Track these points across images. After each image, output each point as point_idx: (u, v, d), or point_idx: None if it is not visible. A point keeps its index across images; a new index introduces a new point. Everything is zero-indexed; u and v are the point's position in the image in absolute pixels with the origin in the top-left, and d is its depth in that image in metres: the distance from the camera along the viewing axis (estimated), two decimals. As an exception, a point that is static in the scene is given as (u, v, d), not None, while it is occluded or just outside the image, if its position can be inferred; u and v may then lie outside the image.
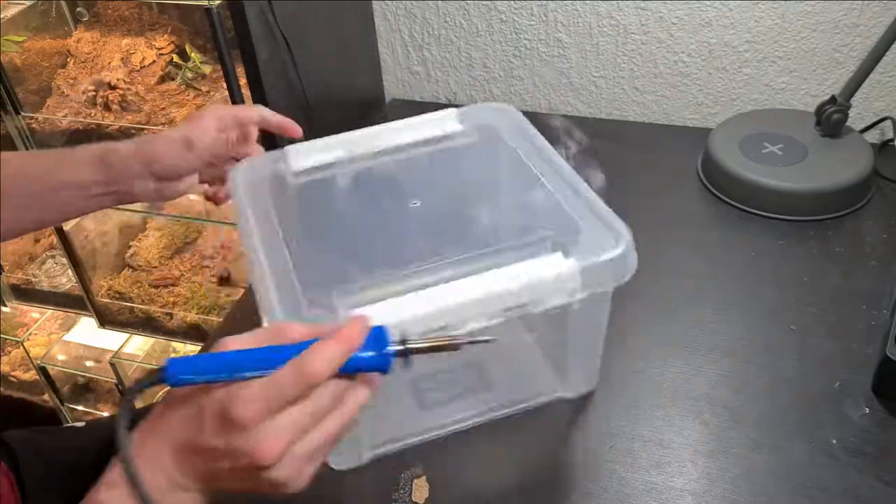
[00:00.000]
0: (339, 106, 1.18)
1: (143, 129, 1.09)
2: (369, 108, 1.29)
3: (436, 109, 0.78)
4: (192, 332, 1.31)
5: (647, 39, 1.14)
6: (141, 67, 1.15)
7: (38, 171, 0.72)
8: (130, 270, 1.37)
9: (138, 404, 0.50)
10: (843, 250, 0.91)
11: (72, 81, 1.16)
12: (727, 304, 0.84)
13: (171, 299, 1.32)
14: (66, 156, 0.74)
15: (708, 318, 0.83)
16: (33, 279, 1.44)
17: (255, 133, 0.76)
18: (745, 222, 0.97)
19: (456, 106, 0.79)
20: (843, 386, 0.74)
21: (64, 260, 1.34)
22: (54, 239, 1.33)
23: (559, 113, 1.26)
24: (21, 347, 1.57)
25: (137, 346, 1.48)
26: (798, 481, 0.66)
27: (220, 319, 1.24)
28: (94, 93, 1.14)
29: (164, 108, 1.11)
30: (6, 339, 1.60)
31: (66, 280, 1.43)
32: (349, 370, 0.45)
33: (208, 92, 1.12)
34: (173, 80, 1.15)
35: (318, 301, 0.61)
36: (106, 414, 1.60)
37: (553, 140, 0.75)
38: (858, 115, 1.10)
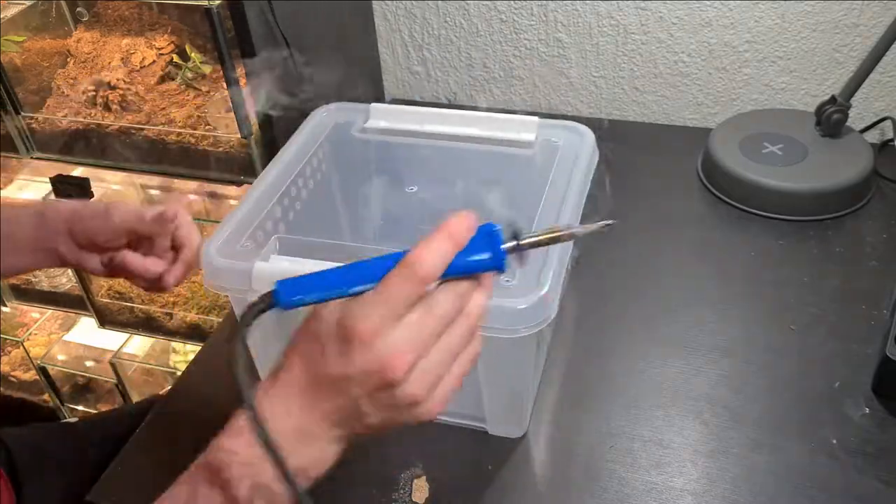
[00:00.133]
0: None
1: (142, 129, 1.09)
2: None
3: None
4: (192, 332, 1.31)
5: (647, 39, 1.14)
6: (141, 67, 1.15)
7: None
8: (130, 270, 1.37)
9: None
10: (843, 250, 0.91)
11: (72, 81, 1.16)
12: (727, 304, 0.84)
13: (171, 299, 1.32)
14: (14, 207, 0.75)
15: (708, 318, 0.83)
16: (33, 279, 1.44)
17: (189, 237, 0.73)
18: (745, 222, 0.97)
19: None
20: (843, 386, 0.74)
21: (64, 260, 1.34)
22: (54, 239, 1.33)
23: (560, 113, 1.26)
24: (21, 347, 1.57)
25: (137, 346, 1.48)
26: (798, 481, 0.66)
27: (220, 319, 1.24)
28: (94, 93, 1.14)
29: (164, 108, 1.11)
30: (6, 339, 1.60)
31: (65, 280, 1.43)
32: (462, 271, 0.42)
33: (208, 92, 1.12)
34: (173, 80, 1.15)
35: (249, 251, 0.65)
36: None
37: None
38: (858, 115, 1.10)
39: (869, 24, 1.03)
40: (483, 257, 0.42)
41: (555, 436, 0.72)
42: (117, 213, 0.71)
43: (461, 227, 0.42)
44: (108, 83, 1.13)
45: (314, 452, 0.44)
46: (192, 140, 1.07)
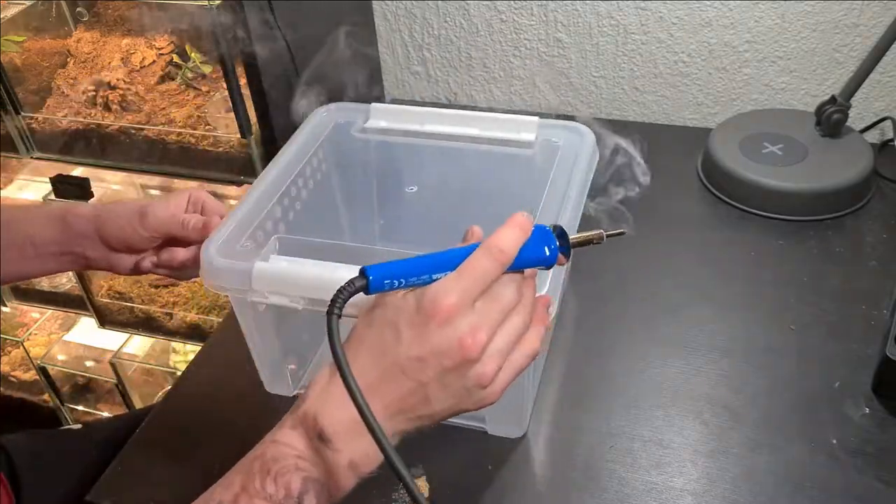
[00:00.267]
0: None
1: (142, 129, 1.09)
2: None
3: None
4: (192, 332, 1.31)
5: (647, 39, 1.14)
6: (141, 67, 1.15)
7: (3, 222, 0.71)
8: (130, 270, 1.37)
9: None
10: (843, 250, 0.91)
11: (72, 81, 1.16)
12: (727, 304, 0.84)
13: (171, 299, 1.32)
14: (30, 210, 0.74)
15: (708, 318, 0.83)
16: (33, 279, 1.44)
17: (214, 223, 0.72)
18: (745, 222, 0.97)
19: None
20: (843, 386, 0.74)
21: (64, 260, 1.34)
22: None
23: (560, 113, 1.26)
24: (21, 347, 1.57)
25: (137, 346, 1.48)
26: (798, 481, 0.66)
27: (220, 319, 1.24)
28: (94, 93, 1.14)
29: (164, 108, 1.11)
30: (6, 339, 1.60)
31: (65, 280, 1.43)
32: (519, 265, 0.46)
33: (208, 92, 1.12)
34: (173, 80, 1.15)
35: (248, 251, 0.66)
36: (106, 414, 1.60)
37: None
38: (858, 115, 1.10)
39: (869, 24, 1.03)
40: (542, 254, 0.47)
41: (555, 436, 0.72)
42: (154, 218, 0.69)
43: (526, 220, 0.46)
44: (108, 83, 1.13)
45: (366, 446, 0.45)
46: (192, 140, 1.07)
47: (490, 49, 1.23)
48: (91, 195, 1.21)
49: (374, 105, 0.81)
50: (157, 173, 1.13)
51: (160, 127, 1.09)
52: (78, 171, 1.21)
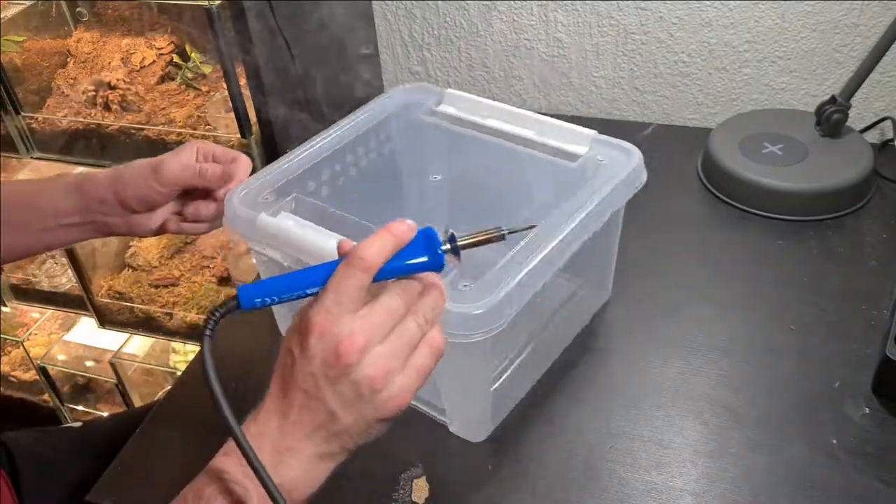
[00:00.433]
0: (339, 106, 1.18)
1: (142, 129, 1.09)
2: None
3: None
4: (192, 332, 1.31)
5: (647, 39, 1.14)
6: (141, 67, 1.15)
7: (22, 198, 0.72)
8: (130, 270, 1.37)
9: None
10: (843, 250, 0.91)
11: (72, 81, 1.16)
12: (727, 304, 0.84)
13: (171, 299, 1.32)
14: (48, 183, 0.74)
15: (708, 318, 0.83)
16: (33, 279, 1.44)
17: (240, 173, 0.72)
18: (745, 222, 0.97)
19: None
20: (843, 386, 0.74)
21: (64, 260, 1.34)
22: (54, 239, 1.33)
23: (560, 114, 1.26)
24: (21, 347, 1.57)
25: (137, 346, 1.48)
26: (798, 481, 0.66)
27: (220, 319, 1.24)
28: (94, 93, 1.14)
29: (164, 108, 1.11)
30: (6, 339, 1.60)
31: (66, 280, 1.43)
32: (405, 272, 0.47)
33: (208, 92, 1.12)
34: (173, 80, 1.15)
35: (267, 203, 0.69)
36: (105, 414, 1.60)
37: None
38: (858, 115, 1.10)
39: (869, 24, 1.03)
40: (422, 260, 0.47)
41: (555, 436, 0.72)
42: (167, 172, 0.69)
43: (401, 226, 0.46)
44: (108, 83, 1.13)
45: (295, 472, 0.45)
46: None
47: (490, 49, 1.23)
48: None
49: (449, 91, 0.82)
50: (157, 173, 1.13)
51: (160, 127, 1.09)
52: (78, 171, 1.21)
